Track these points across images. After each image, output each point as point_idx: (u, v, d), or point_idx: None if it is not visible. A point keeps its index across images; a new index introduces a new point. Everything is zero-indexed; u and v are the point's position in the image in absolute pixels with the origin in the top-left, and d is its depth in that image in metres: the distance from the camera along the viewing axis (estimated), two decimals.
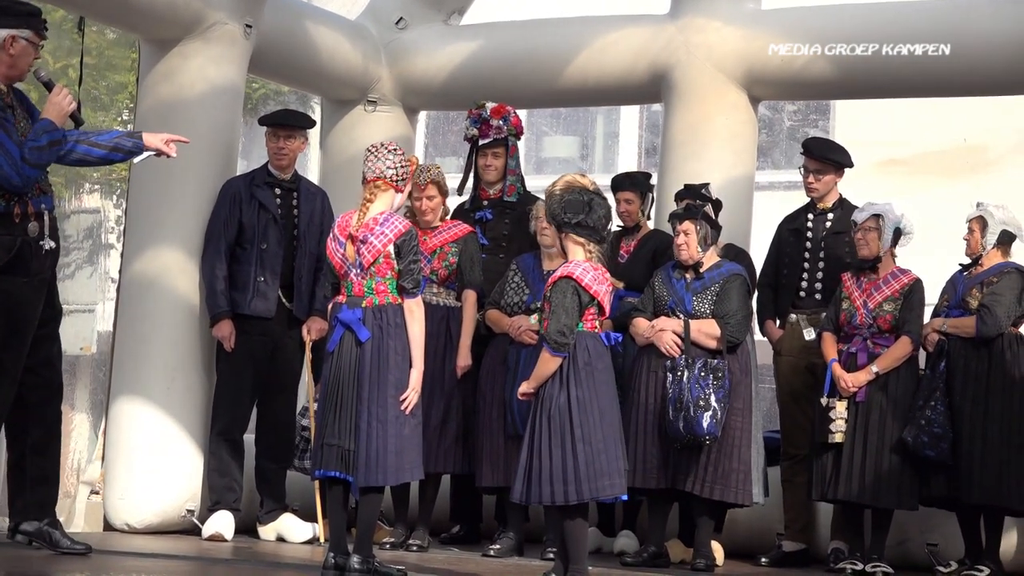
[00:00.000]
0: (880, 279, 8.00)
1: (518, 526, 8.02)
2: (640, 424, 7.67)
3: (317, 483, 7.44)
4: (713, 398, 7.51)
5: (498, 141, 8.48)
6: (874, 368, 7.84)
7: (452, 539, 8.53)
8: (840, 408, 7.85)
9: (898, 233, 8.00)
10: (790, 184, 13.68)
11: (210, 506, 8.23)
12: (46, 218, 6.73)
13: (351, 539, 6.50)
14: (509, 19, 10.35)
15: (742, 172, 9.10)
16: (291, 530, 8.27)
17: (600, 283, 6.40)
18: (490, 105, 8.51)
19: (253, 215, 8.28)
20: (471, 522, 8.62)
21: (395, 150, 6.55)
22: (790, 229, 8.50)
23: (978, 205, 8.08)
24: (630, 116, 20.49)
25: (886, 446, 7.79)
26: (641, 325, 7.81)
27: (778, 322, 8.47)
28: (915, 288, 7.97)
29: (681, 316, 7.75)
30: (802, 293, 8.37)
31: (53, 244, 6.76)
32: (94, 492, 10.08)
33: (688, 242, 7.79)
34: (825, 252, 8.34)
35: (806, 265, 8.38)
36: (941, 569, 7.91)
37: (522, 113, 8.81)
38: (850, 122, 17.73)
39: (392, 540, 8.09)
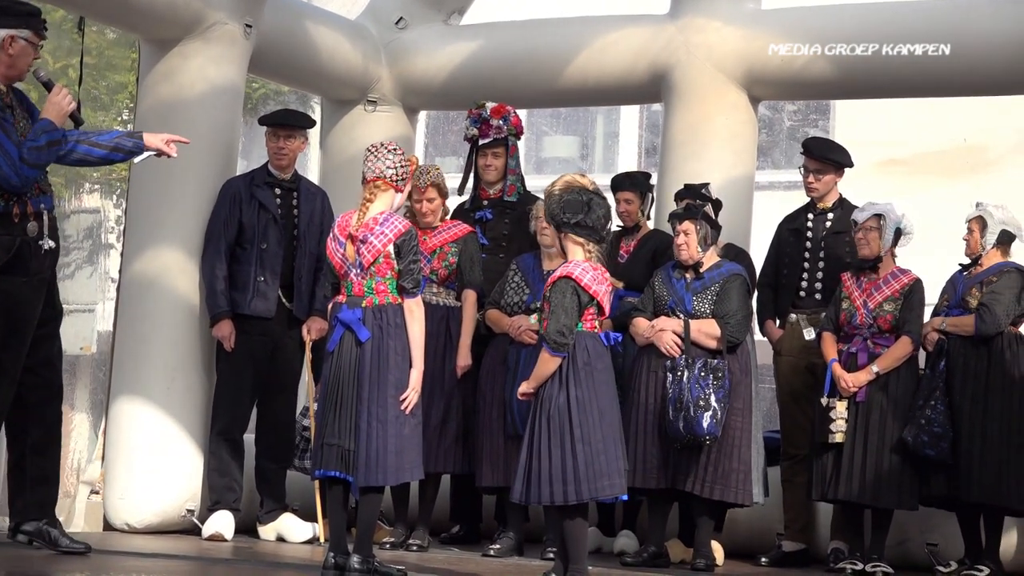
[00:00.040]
0: (880, 279, 8.00)
1: (518, 526, 8.01)
2: (640, 424, 7.67)
3: (317, 483, 7.43)
4: (713, 398, 7.51)
5: (498, 141, 8.47)
6: (874, 368, 7.84)
7: (452, 539, 8.53)
8: (840, 408, 7.85)
9: (899, 233, 8.00)
10: (790, 184, 13.67)
11: (210, 506, 8.22)
12: (45, 218, 6.72)
13: (351, 539, 6.50)
14: (509, 19, 10.35)
15: (742, 172, 9.10)
16: (291, 530, 8.26)
17: (600, 283, 6.39)
18: (490, 105, 8.50)
19: (253, 215, 8.28)
20: (471, 522, 8.62)
21: (395, 150, 6.55)
22: (790, 229, 8.50)
23: (977, 205, 8.08)
24: (630, 116, 20.47)
25: (886, 446, 7.78)
26: (641, 325, 7.81)
27: (778, 322, 8.47)
28: (915, 288, 7.97)
29: (681, 316, 7.74)
30: (802, 293, 8.37)
31: (53, 244, 6.75)
32: (94, 492, 10.05)
33: (688, 242, 7.79)
34: (825, 252, 8.34)
35: (806, 265, 8.38)
36: (941, 569, 7.91)
37: (522, 113, 8.81)
38: (850, 122, 17.72)
39: (392, 540, 8.08)
